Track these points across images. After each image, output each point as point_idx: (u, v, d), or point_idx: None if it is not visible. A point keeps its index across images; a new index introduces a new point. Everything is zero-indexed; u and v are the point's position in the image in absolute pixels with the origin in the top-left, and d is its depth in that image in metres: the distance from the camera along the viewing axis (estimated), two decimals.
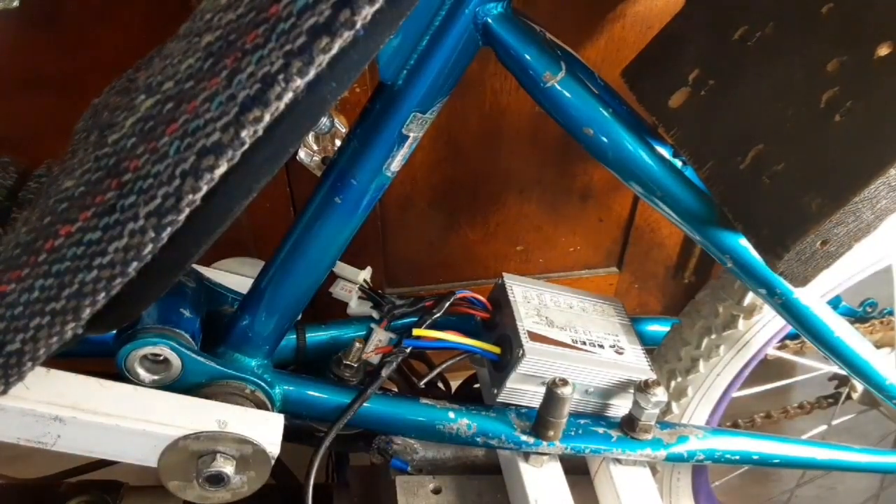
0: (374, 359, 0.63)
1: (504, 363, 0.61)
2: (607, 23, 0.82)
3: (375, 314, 0.66)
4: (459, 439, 0.62)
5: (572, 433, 0.64)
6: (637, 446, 0.64)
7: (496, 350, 0.62)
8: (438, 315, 0.63)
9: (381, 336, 0.63)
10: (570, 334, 0.63)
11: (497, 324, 0.64)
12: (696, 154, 0.50)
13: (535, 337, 0.60)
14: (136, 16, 0.71)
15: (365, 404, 0.59)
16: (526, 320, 0.62)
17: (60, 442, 0.49)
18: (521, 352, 0.58)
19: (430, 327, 0.62)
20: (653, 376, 0.62)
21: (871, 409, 0.94)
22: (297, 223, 0.54)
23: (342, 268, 0.66)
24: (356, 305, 0.66)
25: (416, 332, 0.61)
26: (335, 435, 0.58)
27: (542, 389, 0.60)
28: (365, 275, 0.66)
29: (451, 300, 0.64)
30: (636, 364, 0.63)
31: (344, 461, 0.82)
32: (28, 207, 0.49)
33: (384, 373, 0.60)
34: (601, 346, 0.63)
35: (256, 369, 0.58)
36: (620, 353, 0.63)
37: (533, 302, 0.65)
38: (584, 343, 0.63)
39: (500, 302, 0.65)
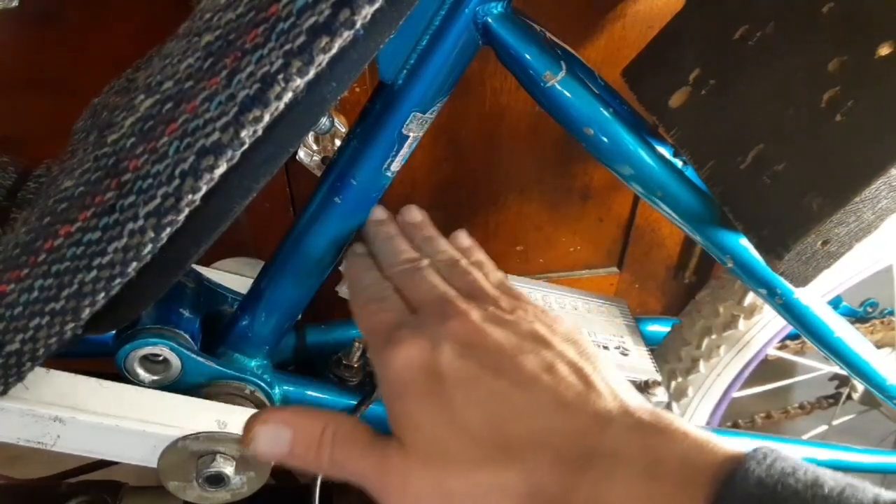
0: None
1: None
2: (607, 23, 0.82)
3: None
4: None
5: None
6: None
7: None
8: None
9: None
10: None
11: None
12: (697, 154, 0.50)
13: None
14: (136, 15, 0.71)
15: None
16: None
17: (60, 442, 0.48)
18: None
19: None
20: (657, 377, 0.62)
21: (872, 409, 0.94)
22: (297, 223, 0.54)
23: None
24: None
25: None
26: None
27: None
28: None
29: None
30: (641, 365, 0.63)
31: None
32: (27, 207, 0.49)
33: None
34: (606, 348, 0.63)
35: (256, 369, 0.58)
36: (625, 355, 0.63)
37: (537, 303, 0.64)
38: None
39: None
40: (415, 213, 0.48)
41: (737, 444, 0.25)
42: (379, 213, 0.49)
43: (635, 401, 0.28)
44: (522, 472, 0.26)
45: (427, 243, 0.45)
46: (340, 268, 0.64)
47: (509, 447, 0.27)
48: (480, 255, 0.44)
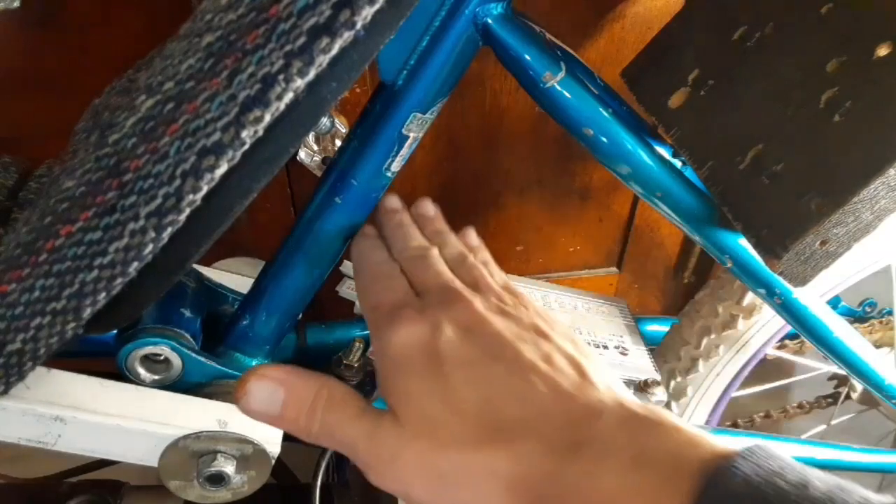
0: None
1: None
2: (607, 23, 0.82)
3: None
4: None
5: None
6: None
7: None
8: None
9: None
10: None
11: None
12: (696, 154, 0.50)
13: None
14: (137, 16, 0.71)
15: None
16: None
17: (61, 442, 0.49)
18: None
19: None
20: (656, 377, 0.62)
21: (871, 408, 0.94)
22: (298, 223, 0.54)
23: (349, 267, 0.66)
24: None
25: None
26: None
27: None
28: None
29: None
30: (640, 364, 0.63)
31: (344, 460, 0.82)
32: (29, 207, 0.49)
33: None
34: (605, 347, 0.63)
35: None
36: (625, 355, 0.64)
37: (538, 304, 0.65)
38: (589, 344, 0.63)
39: None
40: (428, 207, 0.49)
41: (731, 443, 0.25)
42: (393, 201, 0.49)
43: (628, 395, 0.29)
44: (512, 455, 0.26)
45: (437, 236, 0.45)
46: (341, 268, 0.65)
47: (502, 430, 0.27)
48: (487, 255, 0.45)
